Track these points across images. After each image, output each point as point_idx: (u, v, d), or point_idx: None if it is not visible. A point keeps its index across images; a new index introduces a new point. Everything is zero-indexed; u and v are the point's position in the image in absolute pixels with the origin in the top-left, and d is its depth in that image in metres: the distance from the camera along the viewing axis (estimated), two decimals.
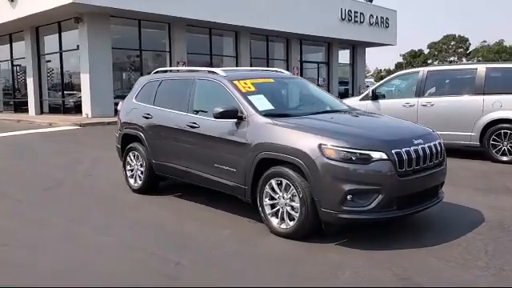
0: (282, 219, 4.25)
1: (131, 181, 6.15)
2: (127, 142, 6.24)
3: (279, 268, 3.64)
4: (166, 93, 5.85)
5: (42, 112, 20.10)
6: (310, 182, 3.98)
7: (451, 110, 8.15)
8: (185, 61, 19.45)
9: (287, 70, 17.05)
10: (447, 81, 8.93)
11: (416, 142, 4.15)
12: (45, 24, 18.83)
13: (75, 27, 17.29)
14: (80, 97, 17.93)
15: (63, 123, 15.66)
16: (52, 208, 5.50)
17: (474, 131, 7.93)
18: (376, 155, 3.89)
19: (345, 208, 3.87)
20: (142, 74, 19.16)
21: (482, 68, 8.11)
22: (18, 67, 22.14)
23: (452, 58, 76.80)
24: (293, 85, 5.80)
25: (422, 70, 8.90)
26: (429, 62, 75.77)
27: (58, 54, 19.03)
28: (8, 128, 14.93)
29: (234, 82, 4.99)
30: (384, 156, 3.90)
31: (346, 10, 24.97)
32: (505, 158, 7.71)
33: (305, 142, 4.06)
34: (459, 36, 76.69)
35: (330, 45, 26.78)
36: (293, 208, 4.15)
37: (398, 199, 3.97)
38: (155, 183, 6.03)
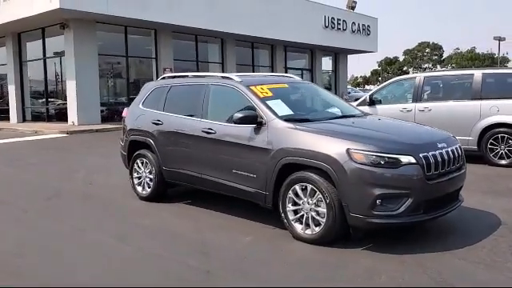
0: (307, 225, 4.21)
1: (139, 188, 6.01)
2: (134, 148, 6.10)
3: (314, 272, 3.61)
4: (177, 99, 5.75)
5: (24, 120, 19.64)
6: (338, 186, 3.96)
7: (449, 115, 8.28)
8: (171, 67, 19.30)
9: None
10: (443, 86, 9.09)
11: (440, 145, 4.20)
12: (28, 30, 18.44)
13: (60, 33, 16.99)
14: (64, 104, 17.57)
15: (49, 131, 15.28)
16: (60, 218, 5.33)
17: (472, 135, 8.08)
18: (405, 159, 3.90)
19: (375, 213, 3.87)
20: (128, 81, 18.97)
21: (478, 74, 8.29)
22: None
23: (426, 65, 78.24)
24: (305, 90, 5.79)
25: (419, 76, 9.06)
26: (404, 68, 77.12)
27: (42, 61, 18.64)
28: None
29: (251, 87, 4.95)
30: (412, 160, 3.91)
31: (329, 18, 25.31)
32: (503, 162, 7.87)
33: (332, 146, 4.04)
34: (433, 43, 78.32)
35: (314, 52, 27.05)
36: (318, 213, 4.12)
37: (425, 203, 3.99)
38: (164, 190, 5.91)
